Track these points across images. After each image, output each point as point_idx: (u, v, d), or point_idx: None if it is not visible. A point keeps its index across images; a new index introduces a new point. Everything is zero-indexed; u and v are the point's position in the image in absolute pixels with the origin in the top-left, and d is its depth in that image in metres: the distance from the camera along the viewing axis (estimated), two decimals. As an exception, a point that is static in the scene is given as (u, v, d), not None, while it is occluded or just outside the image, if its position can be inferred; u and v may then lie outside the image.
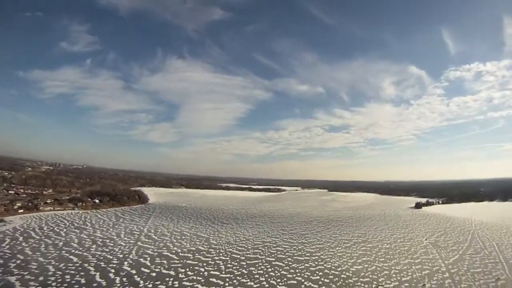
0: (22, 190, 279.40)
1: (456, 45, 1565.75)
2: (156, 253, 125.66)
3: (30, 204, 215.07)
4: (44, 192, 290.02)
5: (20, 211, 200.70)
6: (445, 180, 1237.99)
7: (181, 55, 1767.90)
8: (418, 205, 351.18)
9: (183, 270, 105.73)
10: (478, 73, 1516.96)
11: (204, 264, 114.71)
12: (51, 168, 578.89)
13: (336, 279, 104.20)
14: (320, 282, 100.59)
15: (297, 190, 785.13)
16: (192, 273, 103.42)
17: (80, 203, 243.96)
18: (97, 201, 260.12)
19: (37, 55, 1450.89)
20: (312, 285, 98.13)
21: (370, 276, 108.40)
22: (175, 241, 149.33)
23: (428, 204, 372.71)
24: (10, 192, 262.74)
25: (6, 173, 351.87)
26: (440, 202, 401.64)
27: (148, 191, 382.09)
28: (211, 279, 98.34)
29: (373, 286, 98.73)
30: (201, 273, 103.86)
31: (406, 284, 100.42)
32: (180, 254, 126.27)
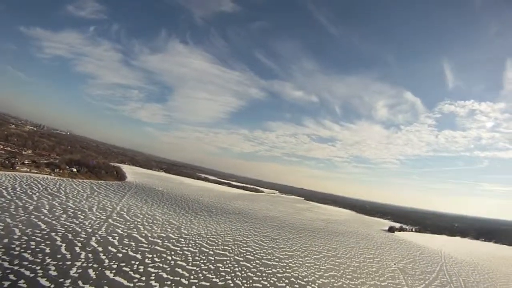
0: (1, 147, 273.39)
1: (455, 79, 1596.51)
2: (126, 234, 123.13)
3: (7, 162, 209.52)
4: (23, 152, 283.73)
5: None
6: (422, 209, 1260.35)
7: (184, 39, 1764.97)
8: (392, 229, 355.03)
9: (150, 256, 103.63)
10: (472, 111, 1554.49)
11: (172, 252, 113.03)
12: (35, 129, 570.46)
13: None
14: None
15: (274, 194, 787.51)
16: (159, 260, 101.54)
17: (57, 169, 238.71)
18: (74, 170, 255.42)
19: (42, 13, 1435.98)
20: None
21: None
22: (146, 224, 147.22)
23: (401, 229, 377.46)
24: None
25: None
26: (414, 229, 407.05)
27: (127, 168, 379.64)
28: (176, 269, 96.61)
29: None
30: (168, 262, 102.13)
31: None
32: (149, 238, 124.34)
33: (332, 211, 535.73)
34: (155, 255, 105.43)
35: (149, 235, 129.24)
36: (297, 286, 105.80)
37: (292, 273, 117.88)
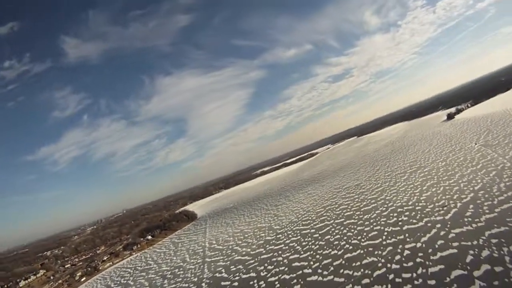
0: (77, 260, 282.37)
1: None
2: (228, 262, 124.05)
3: (89, 269, 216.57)
4: (98, 252, 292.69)
5: (82, 280, 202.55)
6: (462, 84, 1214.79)
7: (166, 72, 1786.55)
8: (450, 116, 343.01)
9: (262, 268, 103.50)
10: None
11: (280, 252, 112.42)
12: (95, 226, 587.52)
13: (413, 213, 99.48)
14: (398, 228, 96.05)
15: (328, 148, 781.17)
16: (272, 266, 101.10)
17: (135, 246, 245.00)
18: (149, 237, 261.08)
19: (35, 133, 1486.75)
20: (393, 228, 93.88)
21: (443, 197, 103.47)
22: (240, 242, 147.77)
23: (458, 111, 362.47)
24: (66, 266, 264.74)
25: (56, 250, 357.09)
26: (469, 105, 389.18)
27: (192, 207, 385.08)
28: (293, 264, 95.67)
29: (445, 206, 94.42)
30: (281, 262, 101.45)
31: (482, 192, 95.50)
32: (251, 253, 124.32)
33: (387, 132, 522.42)
34: (266, 264, 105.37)
35: (249, 249, 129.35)
36: (407, 213, 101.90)
37: (394, 204, 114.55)
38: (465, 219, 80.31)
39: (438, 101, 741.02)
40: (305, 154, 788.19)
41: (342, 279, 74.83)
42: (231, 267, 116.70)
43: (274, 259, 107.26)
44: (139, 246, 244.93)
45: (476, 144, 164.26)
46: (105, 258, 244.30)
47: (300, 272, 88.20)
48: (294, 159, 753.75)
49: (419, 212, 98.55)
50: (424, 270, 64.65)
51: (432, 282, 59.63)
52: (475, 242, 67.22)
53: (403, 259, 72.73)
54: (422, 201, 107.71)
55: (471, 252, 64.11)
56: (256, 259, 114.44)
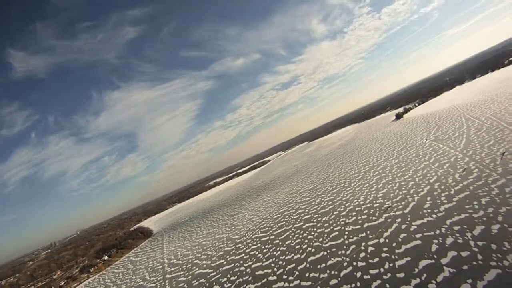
0: (33, 287, 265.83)
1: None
2: (190, 277, 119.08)
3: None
4: (54, 277, 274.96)
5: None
6: (409, 85, 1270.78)
7: (115, 86, 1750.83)
8: (399, 116, 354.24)
9: (225, 279, 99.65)
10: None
11: (241, 261, 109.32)
12: (49, 250, 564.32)
13: (372, 210, 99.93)
14: (359, 226, 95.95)
15: (280, 155, 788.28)
16: (236, 277, 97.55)
17: (92, 268, 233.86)
18: (106, 258, 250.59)
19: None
20: (354, 227, 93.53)
21: (400, 193, 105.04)
22: (199, 255, 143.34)
23: (406, 111, 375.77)
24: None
25: (12, 279, 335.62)
26: (416, 104, 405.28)
27: (147, 223, 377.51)
28: (257, 273, 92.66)
29: (404, 201, 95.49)
30: (244, 272, 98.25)
31: (437, 184, 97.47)
32: (212, 265, 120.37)
33: (338, 135, 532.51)
34: (228, 275, 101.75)
35: (209, 262, 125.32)
36: (366, 211, 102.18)
37: (352, 204, 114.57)
38: (425, 211, 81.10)
39: (386, 102, 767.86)
40: (257, 162, 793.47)
41: (309, 283, 72.83)
42: (193, 281, 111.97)
43: (237, 269, 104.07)
44: (96, 267, 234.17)
45: (427, 139, 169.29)
46: (62, 284, 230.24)
47: (265, 280, 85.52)
48: (246, 168, 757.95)
49: (377, 209, 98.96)
50: (391, 264, 63.96)
51: (401, 274, 58.85)
52: (437, 232, 67.57)
53: (368, 256, 71.77)
54: (380, 198, 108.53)
55: (435, 241, 64.24)
56: (218, 271, 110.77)
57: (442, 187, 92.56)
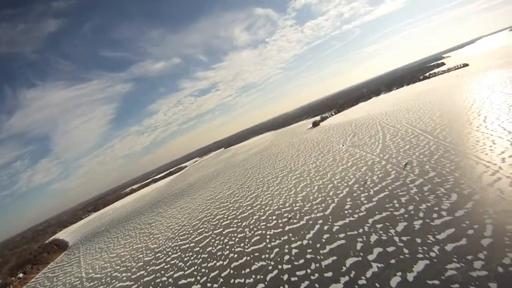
0: None
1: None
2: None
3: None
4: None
5: None
6: (327, 95, 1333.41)
7: (30, 83, 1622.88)
8: (315, 124, 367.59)
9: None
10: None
11: (162, 271, 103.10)
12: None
13: (292, 213, 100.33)
14: (280, 229, 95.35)
15: (196, 161, 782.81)
16: (158, 287, 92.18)
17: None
18: (21, 275, 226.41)
19: None
20: (275, 231, 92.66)
21: (319, 195, 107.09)
22: (118, 267, 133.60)
23: (323, 119, 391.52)
24: None
25: None
26: (333, 113, 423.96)
27: (62, 235, 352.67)
28: (179, 282, 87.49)
29: (324, 203, 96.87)
30: (166, 282, 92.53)
31: (356, 185, 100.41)
32: (132, 277, 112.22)
33: (255, 141, 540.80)
34: (151, 286, 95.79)
35: (129, 274, 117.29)
36: (283, 214, 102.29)
37: (271, 208, 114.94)
38: (346, 212, 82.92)
39: (303, 111, 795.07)
40: (174, 168, 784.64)
41: None
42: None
43: (158, 280, 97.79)
44: (11, 287, 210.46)
45: (343, 145, 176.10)
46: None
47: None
48: (163, 174, 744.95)
49: (298, 212, 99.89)
50: (317, 265, 63.70)
51: (329, 274, 58.67)
52: (361, 230, 68.98)
53: (293, 258, 71.05)
54: (299, 201, 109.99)
55: (360, 239, 65.39)
56: (139, 283, 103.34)
57: (361, 188, 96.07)
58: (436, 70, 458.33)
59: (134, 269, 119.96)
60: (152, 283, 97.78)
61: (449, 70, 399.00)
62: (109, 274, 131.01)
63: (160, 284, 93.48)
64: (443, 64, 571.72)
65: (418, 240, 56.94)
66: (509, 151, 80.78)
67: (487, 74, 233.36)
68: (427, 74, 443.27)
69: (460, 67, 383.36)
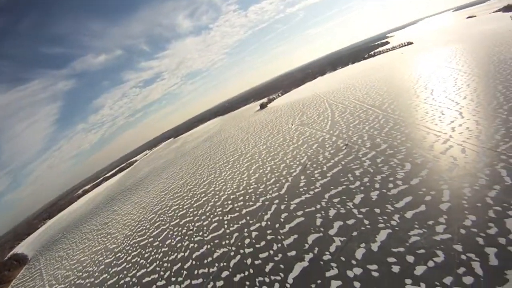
0: None
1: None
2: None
3: None
4: None
5: None
6: (272, 78, 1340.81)
7: None
8: (263, 106, 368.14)
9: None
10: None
11: (125, 271, 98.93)
12: None
13: (248, 196, 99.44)
14: (237, 214, 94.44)
15: (146, 154, 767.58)
16: None
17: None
18: None
19: None
20: (232, 216, 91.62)
21: (272, 176, 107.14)
22: (80, 274, 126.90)
23: (270, 101, 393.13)
24: None
25: None
26: (280, 94, 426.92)
27: (20, 248, 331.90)
28: (144, 280, 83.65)
29: (279, 183, 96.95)
30: (131, 282, 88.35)
31: (309, 163, 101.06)
32: (95, 282, 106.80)
33: (204, 128, 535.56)
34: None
35: (92, 279, 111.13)
36: (238, 197, 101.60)
37: (225, 192, 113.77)
38: (301, 189, 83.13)
39: (249, 94, 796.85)
40: (124, 164, 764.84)
41: (201, 280, 67.94)
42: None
43: (122, 281, 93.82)
44: None
45: (292, 124, 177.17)
46: None
47: (154, 286, 78.36)
48: (114, 171, 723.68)
49: (253, 194, 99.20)
50: (279, 245, 63.10)
51: (292, 253, 58.18)
52: (318, 206, 69.30)
53: (254, 241, 70.16)
54: (253, 184, 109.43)
55: (319, 215, 65.59)
56: (103, 287, 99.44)
57: (315, 165, 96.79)
58: (381, 49, 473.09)
59: (97, 274, 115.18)
60: (116, 285, 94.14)
61: (393, 48, 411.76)
62: (72, 282, 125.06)
63: (125, 286, 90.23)
64: (387, 43, 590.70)
65: (377, 211, 57.92)
66: (459, 121, 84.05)
67: (431, 51, 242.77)
68: (372, 52, 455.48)
69: (405, 45, 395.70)
